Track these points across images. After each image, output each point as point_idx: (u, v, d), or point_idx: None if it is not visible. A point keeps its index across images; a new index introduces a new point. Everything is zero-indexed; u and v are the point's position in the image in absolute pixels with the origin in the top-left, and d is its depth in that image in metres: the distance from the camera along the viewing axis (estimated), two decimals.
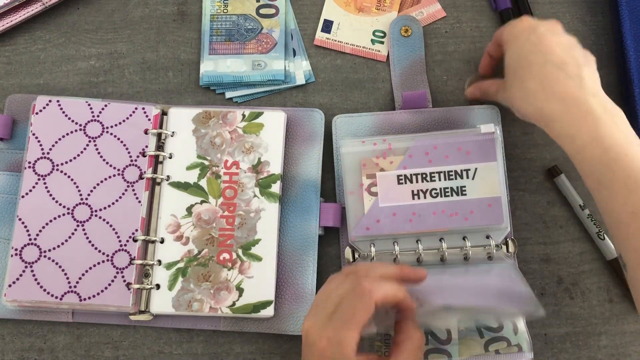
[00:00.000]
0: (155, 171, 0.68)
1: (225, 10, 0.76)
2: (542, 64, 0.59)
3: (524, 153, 0.72)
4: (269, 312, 0.65)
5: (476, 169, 0.66)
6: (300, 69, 0.74)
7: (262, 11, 0.76)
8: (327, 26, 0.76)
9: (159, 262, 0.66)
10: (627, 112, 0.70)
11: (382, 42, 0.75)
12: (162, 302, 0.65)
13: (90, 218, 0.66)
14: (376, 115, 0.71)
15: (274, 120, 0.69)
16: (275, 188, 0.67)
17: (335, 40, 0.75)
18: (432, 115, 0.71)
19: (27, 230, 0.66)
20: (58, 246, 0.66)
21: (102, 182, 0.67)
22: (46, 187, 0.67)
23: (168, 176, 0.68)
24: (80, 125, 0.68)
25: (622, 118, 0.57)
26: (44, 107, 0.69)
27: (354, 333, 0.51)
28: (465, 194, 0.66)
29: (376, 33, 0.75)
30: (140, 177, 0.67)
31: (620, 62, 0.72)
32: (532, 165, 0.72)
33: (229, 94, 0.73)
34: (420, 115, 0.71)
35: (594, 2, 0.76)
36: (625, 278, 0.58)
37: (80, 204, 0.67)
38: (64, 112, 0.69)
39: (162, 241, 0.67)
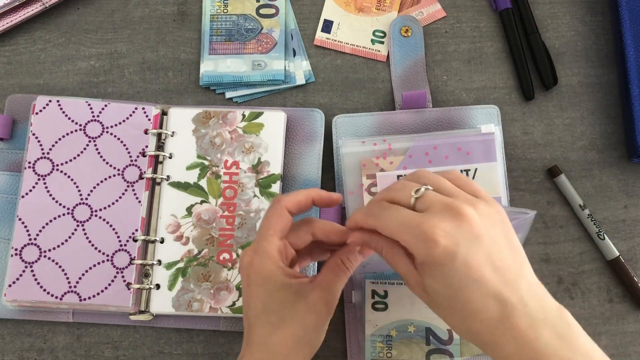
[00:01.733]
0: (155, 171, 0.68)
1: (225, 10, 0.76)
2: (482, 300, 0.47)
3: (524, 153, 0.72)
4: None
5: (476, 169, 0.66)
6: (300, 69, 0.74)
7: (262, 11, 0.76)
8: (327, 26, 0.76)
9: (159, 262, 0.66)
10: (626, 112, 0.70)
11: (382, 42, 0.75)
12: (162, 302, 0.65)
13: (90, 218, 0.66)
14: (376, 115, 0.71)
15: (274, 120, 0.69)
16: (275, 188, 0.67)
17: (335, 40, 0.75)
18: (432, 115, 0.71)
19: (27, 230, 0.66)
20: (58, 246, 0.66)
21: (102, 182, 0.67)
22: (46, 187, 0.67)
23: (168, 176, 0.68)
24: (80, 125, 0.68)
25: (567, 328, 0.47)
26: (44, 107, 0.69)
27: (272, 238, 0.53)
28: None
29: (376, 33, 0.75)
30: (140, 177, 0.67)
31: (620, 62, 0.72)
32: (532, 165, 0.72)
33: (229, 94, 0.73)
34: (420, 115, 0.71)
35: (594, 2, 0.76)
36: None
37: (80, 204, 0.67)
38: (64, 112, 0.69)
39: (162, 241, 0.67)
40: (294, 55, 0.75)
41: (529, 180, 0.71)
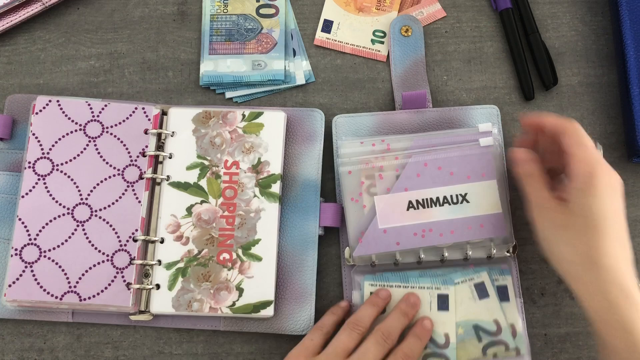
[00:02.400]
0: (155, 171, 0.68)
1: (225, 10, 0.76)
2: (615, 240, 0.56)
3: None
4: (269, 312, 0.65)
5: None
6: (300, 69, 0.74)
7: (262, 11, 0.76)
8: (327, 26, 0.76)
9: (159, 262, 0.66)
10: (626, 112, 0.70)
11: (382, 42, 0.75)
12: (162, 302, 0.65)
13: (90, 218, 0.66)
14: (376, 116, 0.71)
15: (274, 120, 0.69)
16: (275, 188, 0.67)
17: (335, 40, 0.75)
18: (431, 115, 0.71)
19: (27, 230, 0.66)
20: (58, 246, 0.66)
21: (102, 182, 0.67)
22: (46, 187, 0.67)
23: (168, 176, 0.68)
24: (80, 125, 0.68)
25: None
26: (44, 107, 0.69)
27: None
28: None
29: (376, 33, 0.75)
30: (140, 177, 0.67)
31: (620, 62, 0.72)
32: None
33: (229, 94, 0.73)
34: (420, 116, 0.71)
35: (594, 2, 0.77)
36: None
37: (80, 204, 0.67)
38: (64, 112, 0.69)
39: (162, 241, 0.67)
40: (294, 55, 0.75)
41: None
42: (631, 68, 0.70)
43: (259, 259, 0.66)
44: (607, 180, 0.57)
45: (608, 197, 0.57)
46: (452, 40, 0.75)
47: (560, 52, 0.75)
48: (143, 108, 0.69)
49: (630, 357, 0.54)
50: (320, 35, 0.76)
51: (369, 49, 0.75)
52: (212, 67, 0.74)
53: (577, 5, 0.76)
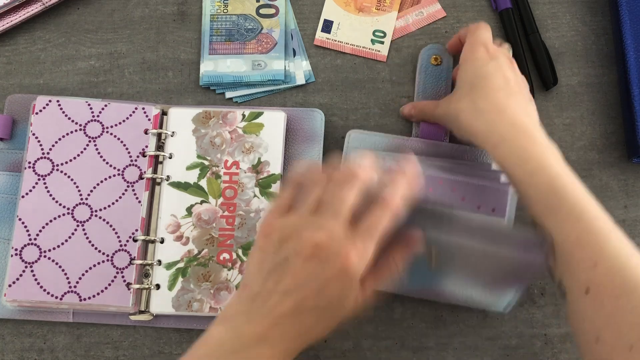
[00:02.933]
0: (155, 171, 0.68)
1: (225, 10, 0.76)
2: (496, 89, 0.62)
3: None
4: None
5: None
6: (300, 69, 0.74)
7: (262, 11, 0.76)
8: (327, 26, 0.76)
9: (159, 262, 0.66)
10: (626, 112, 0.70)
11: (382, 42, 0.75)
12: (162, 302, 0.65)
13: (90, 218, 0.66)
14: (391, 138, 0.70)
15: (274, 120, 0.69)
16: (275, 188, 0.67)
17: (335, 40, 0.75)
18: (447, 149, 0.70)
19: (27, 230, 0.66)
20: (58, 246, 0.66)
21: (102, 182, 0.67)
22: (46, 187, 0.67)
23: (168, 176, 0.68)
24: (80, 125, 0.68)
25: (559, 153, 0.59)
26: (44, 107, 0.69)
27: (374, 246, 0.52)
28: None
29: (376, 33, 0.75)
30: (140, 177, 0.67)
31: (620, 62, 0.72)
32: None
33: (229, 94, 0.73)
34: (435, 148, 0.70)
35: (594, 2, 0.77)
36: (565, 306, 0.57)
37: (80, 204, 0.67)
38: (64, 112, 0.69)
39: (162, 241, 0.67)
40: (294, 55, 0.75)
41: None
42: (631, 68, 0.70)
43: None
44: (486, 53, 0.64)
45: (489, 63, 0.63)
46: None
47: (560, 52, 0.75)
48: (143, 108, 0.69)
49: (530, 181, 0.57)
50: (320, 35, 0.76)
51: (369, 49, 0.75)
52: (212, 67, 0.74)
53: (577, 5, 0.76)
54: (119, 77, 0.75)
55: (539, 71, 0.73)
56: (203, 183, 0.68)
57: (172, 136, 0.69)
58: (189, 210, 0.67)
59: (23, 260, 0.65)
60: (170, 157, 0.68)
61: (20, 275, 0.65)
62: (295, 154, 0.70)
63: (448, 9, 0.76)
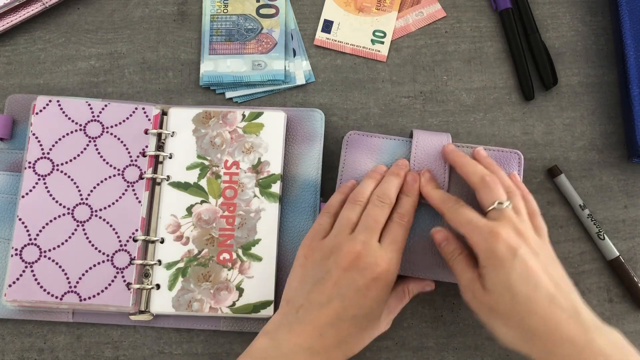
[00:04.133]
0: (155, 171, 0.68)
1: (225, 10, 0.76)
2: (540, 300, 0.53)
3: (524, 153, 0.72)
4: (269, 312, 0.65)
5: None
6: (300, 69, 0.74)
7: (262, 11, 0.76)
8: (327, 26, 0.76)
9: (159, 262, 0.66)
10: (626, 112, 0.70)
11: (382, 42, 0.75)
12: (162, 302, 0.65)
13: (90, 218, 0.66)
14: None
15: (274, 120, 0.69)
16: (275, 188, 0.67)
17: (335, 40, 0.75)
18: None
19: (27, 230, 0.66)
20: (58, 246, 0.66)
21: (102, 182, 0.67)
22: (46, 187, 0.67)
23: (168, 176, 0.68)
24: (80, 125, 0.68)
25: (620, 339, 0.53)
26: (44, 107, 0.69)
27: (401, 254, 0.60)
28: None
29: (376, 33, 0.75)
30: (140, 177, 0.67)
31: (620, 62, 0.72)
32: (532, 165, 0.72)
33: (229, 94, 0.73)
34: None
35: (594, 2, 0.77)
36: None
37: (80, 204, 0.67)
38: (64, 112, 0.69)
39: (162, 241, 0.67)
40: (294, 55, 0.75)
41: (529, 181, 0.71)
42: (631, 68, 0.70)
43: (259, 259, 0.66)
44: (506, 248, 0.54)
45: (515, 263, 0.54)
46: (452, 40, 0.75)
47: (560, 52, 0.75)
48: (143, 108, 0.69)
49: None
50: (320, 35, 0.76)
51: (369, 49, 0.75)
52: (212, 67, 0.74)
53: (577, 5, 0.76)
54: (119, 77, 0.75)
55: (539, 71, 0.73)
56: (203, 183, 0.68)
57: (172, 136, 0.69)
58: (189, 210, 0.67)
59: (23, 260, 0.65)
60: (170, 157, 0.68)
61: (20, 275, 0.65)
62: (295, 154, 0.70)
63: (448, 9, 0.76)
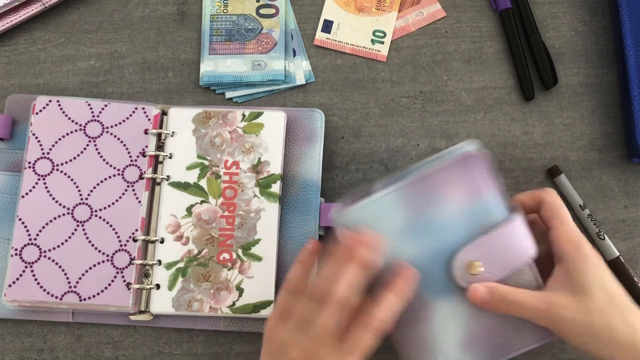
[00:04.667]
0: (155, 171, 0.68)
1: (225, 10, 0.76)
2: (625, 302, 0.54)
3: (524, 153, 0.72)
4: (269, 312, 0.65)
5: None
6: (300, 69, 0.74)
7: (262, 11, 0.76)
8: (327, 26, 0.76)
9: (159, 262, 0.66)
10: (626, 112, 0.70)
11: (382, 42, 0.75)
12: (162, 302, 0.65)
13: (90, 218, 0.66)
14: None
15: (274, 120, 0.69)
16: (275, 188, 0.67)
17: (335, 40, 0.75)
18: None
19: (27, 230, 0.66)
20: (58, 246, 0.66)
21: (102, 182, 0.67)
22: (46, 187, 0.67)
23: (168, 176, 0.68)
24: (80, 125, 0.68)
25: None
26: (44, 107, 0.69)
27: None
28: None
29: (376, 33, 0.75)
30: (140, 177, 0.67)
31: (620, 62, 0.72)
32: (532, 165, 0.72)
33: (229, 94, 0.73)
34: None
35: (594, 2, 0.77)
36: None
37: (80, 204, 0.67)
38: (64, 112, 0.69)
39: (162, 241, 0.67)
40: (294, 55, 0.75)
41: (529, 180, 0.71)
42: (631, 68, 0.70)
43: (259, 259, 0.66)
44: (591, 249, 0.56)
45: (603, 265, 0.55)
46: (452, 40, 0.75)
47: (560, 52, 0.75)
48: (143, 108, 0.69)
49: None
50: (320, 35, 0.76)
51: (369, 49, 0.75)
52: (212, 67, 0.74)
53: (577, 5, 0.76)
54: (119, 77, 0.75)
55: (539, 71, 0.73)
56: (203, 183, 0.68)
57: (172, 136, 0.69)
58: (189, 210, 0.67)
59: (23, 260, 0.65)
60: (170, 157, 0.68)
61: (20, 275, 0.65)
62: (295, 154, 0.70)
63: (448, 9, 0.76)
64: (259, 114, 0.69)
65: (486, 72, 0.74)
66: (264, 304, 0.65)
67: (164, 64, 0.75)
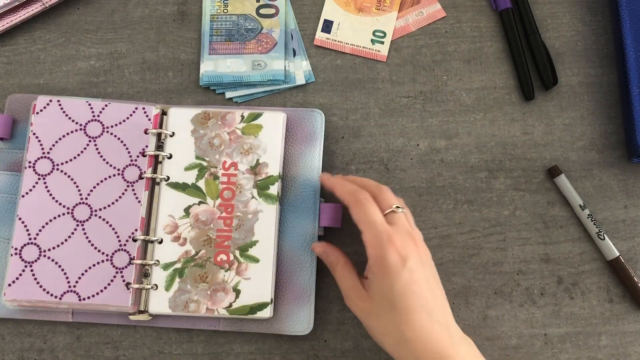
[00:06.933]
0: (155, 171, 0.68)
1: (225, 10, 0.76)
2: (419, 310, 0.56)
3: (524, 153, 0.72)
4: (265, 313, 0.65)
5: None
6: (300, 69, 0.74)
7: (262, 11, 0.76)
8: (327, 26, 0.76)
9: (158, 262, 0.66)
10: (626, 112, 0.70)
11: (382, 42, 0.75)
12: (159, 303, 0.65)
13: (90, 218, 0.67)
14: None
15: (273, 122, 0.69)
16: (274, 190, 0.67)
17: (335, 40, 0.75)
18: None
19: (27, 230, 0.66)
20: (58, 246, 0.66)
21: (102, 181, 0.67)
22: (46, 187, 0.67)
23: (167, 176, 0.68)
24: (81, 125, 0.69)
25: (476, 351, 0.59)
26: (44, 107, 0.69)
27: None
28: None
29: (376, 33, 0.75)
30: (140, 177, 0.68)
31: (620, 62, 0.72)
32: (532, 165, 0.72)
33: (229, 94, 0.73)
34: None
35: (594, 2, 0.76)
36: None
37: (80, 203, 0.67)
38: (64, 112, 0.69)
39: (160, 242, 0.67)
40: (294, 55, 0.75)
41: (529, 180, 0.71)
42: (631, 68, 0.70)
43: (256, 260, 0.66)
44: (398, 257, 0.57)
45: (402, 273, 0.56)
46: (452, 40, 0.75)
47: (560, 52, 0.75)
48: (143, 108, 0.69)
49: None
50: (320, 35, 0.76)
51: (369, 49, 0.75)
52: (212, 67, 0.74)
53: (577, 5, 0.76)
54: (119, 77, 0.75)
55: (539, 71, 0.73)
56: (201, 184, 0.68)
57: (171, 136, 0.69)
58: (187, 210, 0.67)
59: (23, 260, 0.65)
60: (169, 158, 0.68)
61: (20, 274, 0.65)
62: (295, 154, 0.70)
63: (448, 9, 0.76)
64: (258, 115, 0.69)
65: (486, 72, 0.74)
66: (261, 306, 0.65)
67: (164, 64, 0.75)
